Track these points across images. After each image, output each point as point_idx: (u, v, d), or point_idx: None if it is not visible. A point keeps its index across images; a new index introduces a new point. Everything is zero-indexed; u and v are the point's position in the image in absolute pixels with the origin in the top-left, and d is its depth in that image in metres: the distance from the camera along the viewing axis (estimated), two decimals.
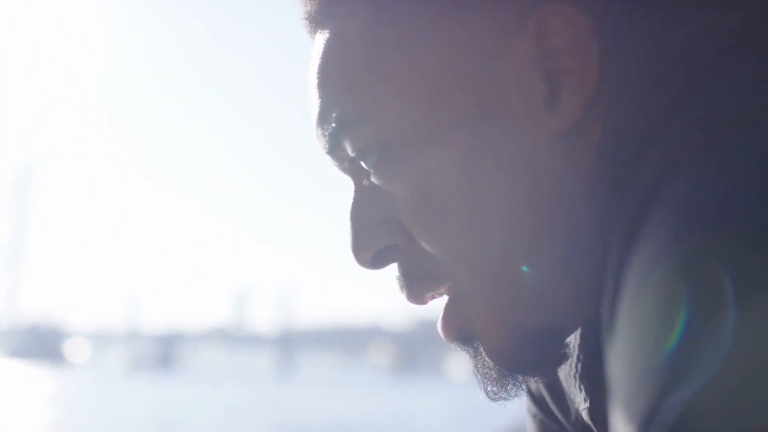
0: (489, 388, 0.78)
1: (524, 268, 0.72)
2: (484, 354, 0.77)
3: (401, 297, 0.79)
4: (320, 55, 0.78)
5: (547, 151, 0.72)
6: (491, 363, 0.76)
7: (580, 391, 0.82)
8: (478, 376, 0.78)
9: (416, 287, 0.78)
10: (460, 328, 0.77)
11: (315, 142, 0.79)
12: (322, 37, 0.79)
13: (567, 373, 0.83)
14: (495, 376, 0.77)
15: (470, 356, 0.78)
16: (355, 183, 0.79)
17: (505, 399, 0.78)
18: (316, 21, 0.80)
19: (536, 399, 0.95)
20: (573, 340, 0.80)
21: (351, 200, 0.79)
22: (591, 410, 0.81)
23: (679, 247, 0.52)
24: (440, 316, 0.78)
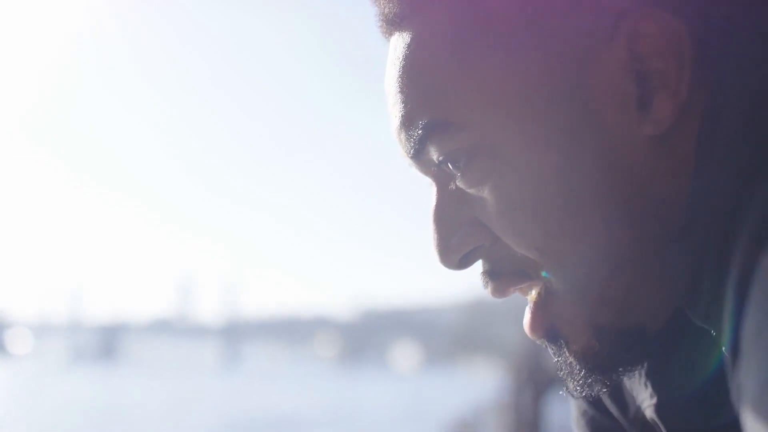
0: (572, 386, 0.78)
1: (614, 270, 0.73)
2: (568, 353, 0.78)
3: (486, 291, 0.80)
4: (402, 58, 0.78)
5: (640, 155, 0.72)
6: (575, 361, 0.77)
7: (646, 387, 0.82)
8: (562, 374, 0.79)
9: (501, 283, 0.79)
10: (548, 327, 0.78)
11: (396, 145, 0.80)
12: (401, 40, 0.78)
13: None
14: (579, 374, 0.77)
15: (554, 354, 0.79)
16: (438, 186, 0.80)
17: (587, 396, 0.79)
18: (393, 23, 0.80)
19: (590, 396, 0.94)
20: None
21: (434, 203, 0.80)
22: (658, 407, 0.81)
23: None
24: (528, 313, 0.79)
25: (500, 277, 0.79)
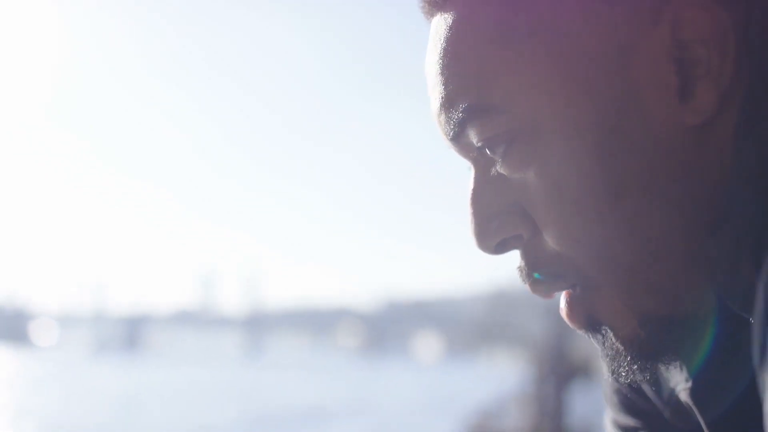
0: (619, 371, 0.78)
1: (657, 258, 0.73)
2: (614, 339, 0.77)
3: (526, 288, 0.80)
4: (444, 40, 0.77)
5: (682, 144, 0.72)
6: (621, 348, 0.77)
7: (682, 371, 0.83)
8: (607, 360, 0.79)
9: (542, 288, 0.79)
10: (588, 316, 0.78)
11: (436, 128, 0.80)
12: (443, 21, 0.78)
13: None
14: (626, 359, 0.77)
15: (598, 342, 0.79)
16: (477, 170, 0.79)
17: (633, 381, 0.79)
18: (436, 4, 0.79)
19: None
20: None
21: (471, 187, 0.79)
22: (693, 390, 0.82)
23: None
24: (564, 304, 0.79)
25: (539, 281, 0.79)
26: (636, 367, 0.77)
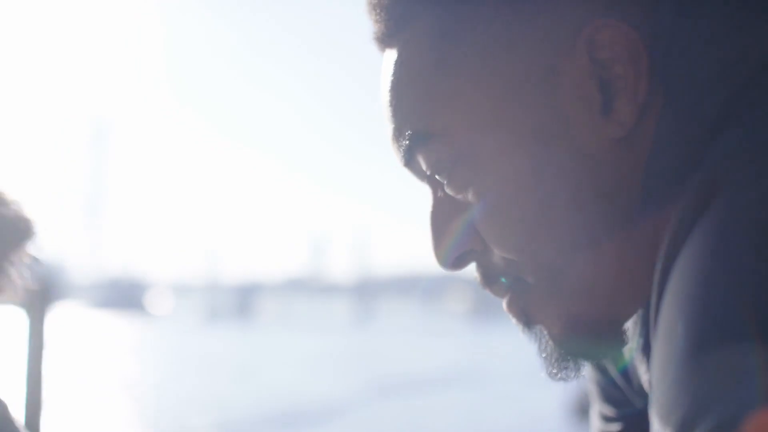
0: (550, 369, 0.83)
1: (586, 265, 0.78)
2: (546, 338, 0.82)
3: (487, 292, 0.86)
4: (390, 74, 0.83)
5: (604, 157, 0.77)
6: (552, 346, 0.82)
7: (642, 362, 0.86)
8: (541, 358, 0.83)
9: (496, 289, 0.84)
10: (525, 314, 0.83)
11: (393, 154, 0.85)
12: (390, 57, 0.84)
13: (631, 346, 0.87)
14: (556, 358, 0.82)
15: (533, 339, 0.84)
16: (432, 192, 0.85)
17: (563, 380, 0.83)
18: (383, 41, 0.86)
19: (601, 369, 1.02)
20: (635, 318, 0.84)
21: (430, 208, 0.85)
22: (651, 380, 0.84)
23: (724, 262, 0.57)
24: (506, 300, 0.84)
25: (494, 283, 0.84)
26: (567, 365, 0.82)
